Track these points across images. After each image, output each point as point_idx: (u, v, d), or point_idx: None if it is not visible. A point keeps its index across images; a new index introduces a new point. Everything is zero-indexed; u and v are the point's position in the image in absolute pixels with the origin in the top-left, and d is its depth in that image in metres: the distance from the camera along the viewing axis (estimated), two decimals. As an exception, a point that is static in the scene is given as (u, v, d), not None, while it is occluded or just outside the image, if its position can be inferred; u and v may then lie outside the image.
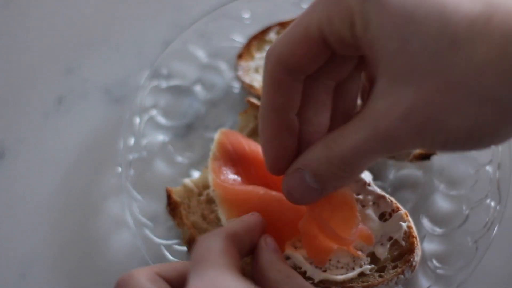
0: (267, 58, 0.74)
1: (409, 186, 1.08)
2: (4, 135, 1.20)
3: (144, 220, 1.06)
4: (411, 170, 1.09)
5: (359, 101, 0.82)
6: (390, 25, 0.62)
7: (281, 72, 0.73)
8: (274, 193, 0.95)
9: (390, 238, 0.94)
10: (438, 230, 1.04)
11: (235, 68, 1.15)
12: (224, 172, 0.98)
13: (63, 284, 1.08)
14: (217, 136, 1.02)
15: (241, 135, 1.02)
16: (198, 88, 1.19)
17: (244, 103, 1.12)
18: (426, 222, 1.04)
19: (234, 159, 0.99)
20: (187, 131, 1.17)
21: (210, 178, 0.99)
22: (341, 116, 0.81)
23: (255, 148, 0.99)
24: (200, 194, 1.03)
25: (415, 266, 0.93)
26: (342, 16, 0.67)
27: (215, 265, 0.73)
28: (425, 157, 1.06)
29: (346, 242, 0.88)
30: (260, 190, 0.95)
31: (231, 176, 0.98)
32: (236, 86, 1.19)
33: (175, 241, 1.05)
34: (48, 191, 1.14)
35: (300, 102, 0.77)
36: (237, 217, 0.95)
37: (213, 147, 1.02)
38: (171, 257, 1.03)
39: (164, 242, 1.05)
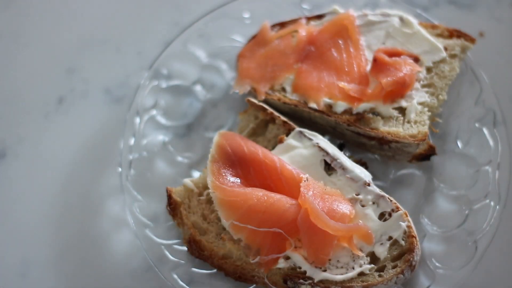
0: None
1: (409, 186, 1.08)
2: (5, 134, 1.20)
3: (144, 220, 1.07)
4: (411, 170, 1.09)
5: None
6: None
7: None
8: (272, 194, 0.95)
9: (390, 238, 0.94)
10: (438, 230, 1.04)
11: (235, 68, 1.16)
12: (223, 174, 0.99)
13: (63, 284, 1.08)
14: (215, 138, 1.03)
15: (240, 136, 1.02)
16: (198, 88, 1.19)
17: (244, 103, 1.12)
18: (426, 222, 1.04)
19: (233, 161, 0.99)
20: (187, 131, 1.17)
21: (209, 180, 0.99)
22: None
23: (254, 149, 0.99)
24: (200, 194, 1.03)
25: (414, 266, 0.93)
26: None
27: None
28: (425, 157, 1.06)
29: (341, 230, 0.90)
30: (258, 192, 0.95)
31: (230, 178, 0.98)
32: (236, 86, 1.19)
33: (175, 241, 1.05)
34: (48, 191, 1.15)
35: None
36: (236, 219, 0.95)
37: (212, 149, 1.02)
38: (171, 257, 1.03)
39: (165, 242, 1.05)
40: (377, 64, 1.02)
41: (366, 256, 0.93)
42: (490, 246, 1.00)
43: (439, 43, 1.06)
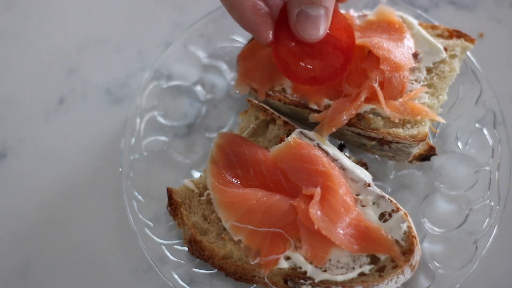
0: None
1: (409, 187, 1.08)
2: (6, 135, 1.20)
3: (145, 220, 1.07)
4: (411, 171, 1.09)
5: None
6: None
7: None
8: (272, 194, 0.95)
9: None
10: (438, 230, 1.04)
11: (236, 68, 1.16)
12: (223, 175, 0.99)
13: (63, 284, 1.08)
14: (216, 139, 1.03)
15: (240, 137, 1.02)
16: (198, 89, 1.20)
17: (245, 103, 1.13)
18: (426, 222, 1.05)
19: (233, 162, 1.00)
20: (187, 131, 1.17)
21: (209, 181, 0.99)
22: None
23: (253, 150, 0.99)
24: (201, 195, 1.03)
25: (414, 266, 0.93)
26: None
27: None
28: (425, 158, 1.07)
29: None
30: (258, 193, 0.95)
31: (230, 179, 0.98)
32: (237, 86, 1.19)
33: (176, 241, 1.06)
34: (49, 191, 1.15)
35: None
36: (236, 220, 0.96)
37: (212, 150, 1.02)
38: (172, 257, 1.04)
39: (165, 242, 1.05)
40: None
41: (366, 256, 0.93)
42: (490, 246, 1.00)
43: (439, 43, 1.06)
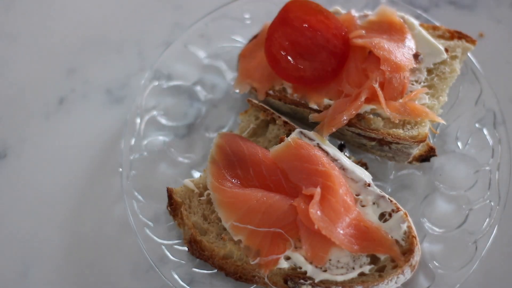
0: None
1: (409, 187, 1.08)
2: (7, 135, 1.20)
3: (145, 220, 1.07)
4: (411, 171, 1.09)
5: None
6: None
7: None
8: (272, 194, 0.95)
9: (390, 239, 0.95)
10: (438, 230, 1.04)
11: (236, 68, 1.16)
12: (223, 175, 0.99)
13: (63, 284, 1.08)
14: (216, 139, 1.03)
15: (239, 137, 1.03)
16: (198, 89, 1.20)
17: (245, 103, 1.12)
18: (426, 222, 1.05)
19: (233, 162, 1.00)
20: (188, 131, 1.17)
21: (209, 181, 0.99)
22: None
23: (253, 150, 0.99)
24: (201, 195, 1.04)
25: (414, 266, 0.93)
26: None
27: None
28: (425, 158, 1.07)
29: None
30: (258, 193, 0.95)
31: (230, 179, 0.98)
32: (237, 86, 1.19)
33: (176, 241, 1.06)
34: (49, 191, 1.15)
35: None
36: (236, 220, 0.96)
37: (212, 150, 1.02)
38: (172, 257, 1.04)
39: (165, 242, 1.05)
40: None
41: (366, 256, 0.93)
42: (490, 246, 1.00)
43: (440, 44, 1.05)
